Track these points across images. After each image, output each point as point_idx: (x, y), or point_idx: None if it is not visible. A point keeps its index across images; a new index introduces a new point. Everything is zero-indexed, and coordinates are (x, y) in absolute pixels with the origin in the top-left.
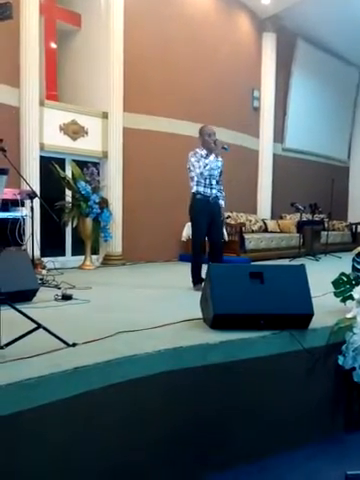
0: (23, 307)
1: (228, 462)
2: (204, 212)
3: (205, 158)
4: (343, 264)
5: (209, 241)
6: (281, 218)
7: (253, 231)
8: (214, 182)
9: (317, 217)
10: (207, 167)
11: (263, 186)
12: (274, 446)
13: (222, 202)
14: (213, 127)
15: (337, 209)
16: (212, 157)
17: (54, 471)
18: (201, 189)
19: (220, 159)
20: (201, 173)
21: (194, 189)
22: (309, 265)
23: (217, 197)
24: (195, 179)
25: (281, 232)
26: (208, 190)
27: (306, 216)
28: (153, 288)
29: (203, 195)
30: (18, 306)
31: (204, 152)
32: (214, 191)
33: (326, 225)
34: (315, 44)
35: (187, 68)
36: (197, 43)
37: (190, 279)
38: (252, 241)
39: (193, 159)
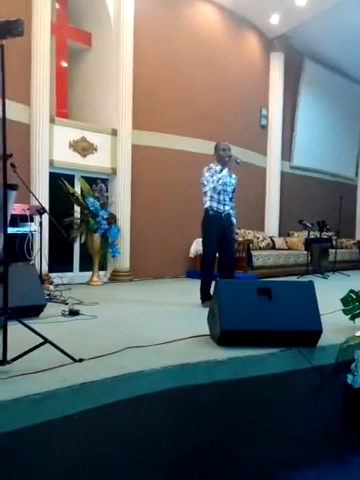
0: (30, 322)
1: None
2: (216, 228)
3: (219, 173)
4: (352, 282)
5: (220, 257)
6: (289, 235)
7: (261, 248)
8: (227, 199)
9: (325, 235)
10: (220, 181)
11: (271, 203)
12: (282, 466)
13: (234, 220)
14: (227, 143)
15: (345, 227)
16: (225, 171)
17: None
18: (214, 205)
19: (234, 176)
20: (214, 188)
21: (207, 204)
22: (317, 283)
23: (229, 214)
24: (208, 194)
25: (289, 249)
26: (221, 206)
27: (314, 233)
28: (160, 304)
29: (216, 211)
30: (25, 321)
31: (218, 167)
32: (227, 208)
33: (334, 243)
34: (322, 63)
35: (196, 86)
36: (206, 61)
37: (198, 295)
38: (259, 258)
39: (207, 174)
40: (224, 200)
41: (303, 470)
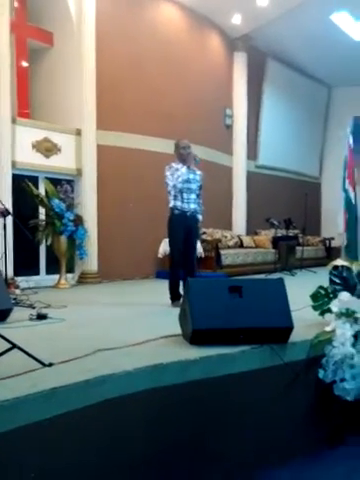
0: None
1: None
2: (181, 227)
3: (180, 170)
4: (318, 279)
5: (183, 255)
6: (256, 234)
7: (229, 247)
8: (193, 196)
9: (291, 232)
10: (180, 179)
11: (238, 202)
12: (257, 462)
13: (200, 216)
14: (187, 141)
15: (311, 224)
16: (185, 169)
17: None
18: (178, 204)
19: (199, 173)
20: (174, 185)
21: (171, 204)
22: (285, 280)
23: (196, 211)
24: (172, 193)
25: (257, 247)
26: (186, 205)
27: (281, 231)
28: (130, 305)
29: (180, 210)
30: None
31: (180, 165)
32: (192, 206)
33: (301, 240)
34: (285, 63)
35: (159, 86)
36: (169, 61)
37: (168, 296)
38: (228, 257)
39: (168, 173)
40: (188, 198)
41: (277, 466)
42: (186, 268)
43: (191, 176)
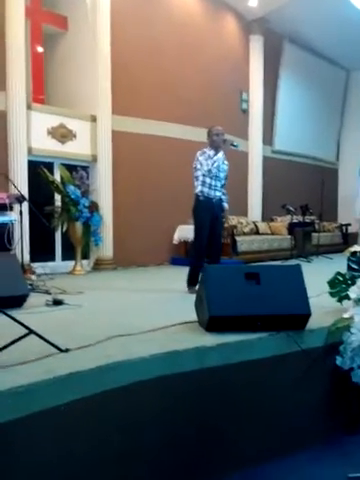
0: (13, 313)
1: (227, 467)
2: (208, 214)
3: (213, 157)
4: (335, 265)
5: (208, 243)
6: (272, 220)
7: (244, 233)
8: (219, 184)
9: (308, 219)
10: (215, 164)
11: (253, 188)
12: (274, 450)
13: (226, 204)
14: (220, 127)
15: (327, 210)
16: (220, 154)
17: None
18: (205, 190)
19: (227, 163)
20: (209, 170)
21: (198, 189)
22: (301, 267)
23: (221, 199)
24: (200, 179)
25: (272, 234)
26: (212, 192)
27: (297, 218)
28: (146, 292)
29: (207, 197)
30: (8, 312)
31: (212, 152)
32: (218, 194)
33: (317, 227)
34: (302, 46)
35: (175, 70)
36: (185, 45)
37: (184, 282)
38: (244, 243)
39: (201, 158)
40: (215, 186)
41: (294, 452)
42: (211, 256)
43: (221, 165)
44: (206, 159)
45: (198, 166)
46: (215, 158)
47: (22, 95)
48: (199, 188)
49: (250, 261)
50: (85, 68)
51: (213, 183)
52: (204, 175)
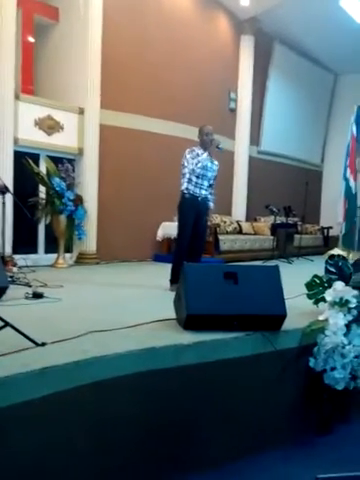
0: None
1: (199, 465)
2: (192, 212)
3: (200, 156)
4: (315, 267)
5: (190, 240)
6: (255, 220)
7: (227, 232)
8: (206, 183)
9: (291, 220)
10: (199, 165)
11: (238, 188)
12: (245, 448)
13: (211, 204)
14: (211, 127)
15: (310, 212)
16: (205, 155)
17: (20, 476)
18: (191, 188)
19: (216, 163)
20: (193, 170)
21: (183, 186)
22: (282, 268)
23: (206, 198)
24: (186, 176)
25: (255, 234)
26: (197, 190)
27: (280, 219)
28: (127, 287)
29: (192, 195)
30: None
31: (201, 151)
32: (204, 192)
33: (299, 228)
34: (292, 48)
35: (164, 66)
36: (175, 41)
37: (165, 279)
38: (226, 242)
39: (189, 156)
40: (202, 184)
41: (267, 452)
42: (193, 254)
43: (209, 164)
44: (193, 158)
45: (185, 164)
46: (200, 158)
47: (10, 85)
48: (185, 185)
49: (232, 260)
50: (75, 60)
51: (199, 182)
52: (190, 173)
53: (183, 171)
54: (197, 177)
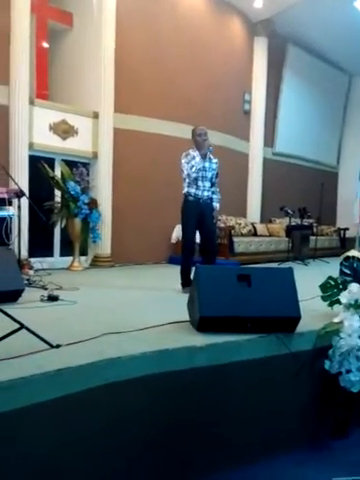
0: (7, 307)
1: (214, 467)
2: (193, 214)
3: (194, 159)
4: (331, 269)
5: (202, 243)
6: (270, 222)
7: (242, 234)
8: (207, 184)
9: (306, 222)
10: (194, 169)
11: (253, 190)
12: (259, 452)
13: (216, 204)
14: (204, 128)
15: (326, 214)
16: (198, 158)
17: (33, 477)
18: (192, 190)
19: (215, 161)
20: (188, 174)
21: (185, 190)
22: (297, 269)
23: (210, 199)
24: (186, 180)
25: (270, 236)
26: (199, 192)
27: (295, 220)
28: (141, 290)
29: (193, 196)
30: (3, 307)
31: (196, 153)
32: (206, 193)
33: (315, 230)
34: (306, 49)
35: (178, 69)
36: (189, 44)
37: (179, 282)
38: (241, 244)
39: (184, 160)
40: (203, 186)
41: (281, 455)
42: (206, 255)
43: (207, 164)
44: (188, 162)
45: (183, 168)
46: (194, 162)
47: (25, 90)
48: (186, 189)
49: (247, 262)
50: (89, 65)
51: (200, 184)
52: (188, 177)
53: (182, 176)
54: (196, 180)
